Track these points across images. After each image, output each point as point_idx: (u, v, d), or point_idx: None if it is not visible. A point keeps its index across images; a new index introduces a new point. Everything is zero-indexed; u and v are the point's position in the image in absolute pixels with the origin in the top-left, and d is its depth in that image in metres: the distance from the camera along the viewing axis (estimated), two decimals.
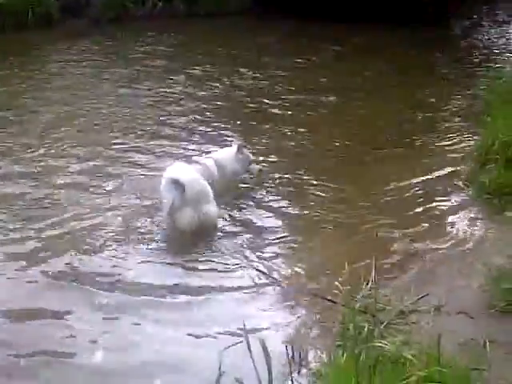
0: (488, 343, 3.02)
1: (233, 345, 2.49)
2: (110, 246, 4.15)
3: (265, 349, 2.06)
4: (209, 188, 4.25)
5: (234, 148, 4.92)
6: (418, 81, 8.36)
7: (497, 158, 5.05)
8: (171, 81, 8.03)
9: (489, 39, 11.32)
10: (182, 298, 3.68)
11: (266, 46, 9.88)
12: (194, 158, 4.98)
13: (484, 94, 7.02)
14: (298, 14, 10.91)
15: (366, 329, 3.02)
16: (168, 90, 7.64)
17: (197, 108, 7.08)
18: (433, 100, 7.58)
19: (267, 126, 6.64)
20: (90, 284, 3.74)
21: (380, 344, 2.57)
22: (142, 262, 4.03)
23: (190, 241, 4.29)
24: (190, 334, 3.33)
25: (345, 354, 2.61)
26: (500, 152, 5.04)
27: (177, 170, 4.20)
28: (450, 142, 6.19)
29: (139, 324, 3.41)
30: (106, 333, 3.32)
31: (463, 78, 8.53)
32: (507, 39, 11.14)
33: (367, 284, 3.60)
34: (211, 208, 4.25)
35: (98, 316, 3.46)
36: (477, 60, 9.57)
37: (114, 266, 3.94)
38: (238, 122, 6.76)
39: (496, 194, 4.75)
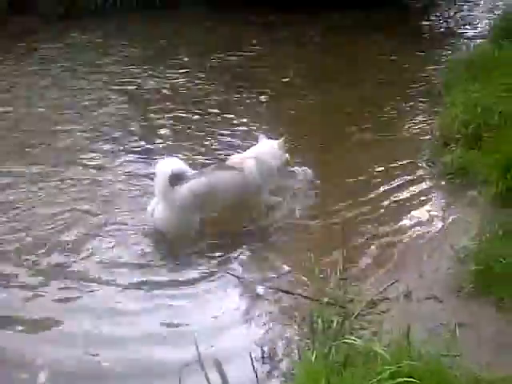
0: (458, 327, 3.01)
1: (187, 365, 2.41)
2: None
3: (220, 370, 1.97)
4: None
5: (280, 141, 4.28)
6: (377, 63, 8.35)
7: (458, 137, 5.05)
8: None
9: (446, 17, 11.41)
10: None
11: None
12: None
13: (443, 73, 7.03)
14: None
15: (335, 323, 2.98)
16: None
17: None
18: (393, 82, 7.56)
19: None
20: None
21: (349, 340, 2.50)
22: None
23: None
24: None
25: (314, 352, 2.52)
26: (460, 131, 5.04)
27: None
28: (411, 124, 6.17)
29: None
30: None
31: (423, 57, 8.55)
32: (463, 16, 11.25)
33: (336, 275, 3.57)
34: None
35: None
36: (436, 39, 9.62)
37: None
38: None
39: (458, 173, 4.76)
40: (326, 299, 3.16)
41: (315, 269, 3.51)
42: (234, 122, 6.17)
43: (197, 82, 7.42)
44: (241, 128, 5.99)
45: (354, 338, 2.56)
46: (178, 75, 7.61)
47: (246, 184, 4.07)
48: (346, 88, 7.28)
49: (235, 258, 3.95)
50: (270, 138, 4.35)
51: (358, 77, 7.71)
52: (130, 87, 7.18)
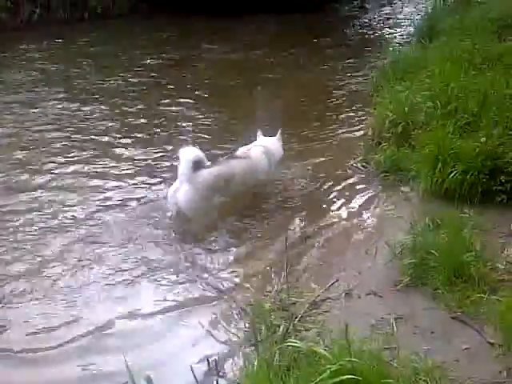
0: (396, 321, 3.11)
1: None
2: None
3: None
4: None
5: (278, 135, 4.89)
6: (309, 66, 8.54)
7: (389, 136, 5.23)
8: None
9: (373, 20, 11.85)
10: None
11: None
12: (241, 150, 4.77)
13: (373, 74, 7.28)
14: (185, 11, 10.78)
15: (279, 327, 2.99)
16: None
17: None
18: (326, 83, 7.76)
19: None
20: None
21: (291, 344, 2.52)
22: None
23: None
24: None
25: (257, 358, 2.52)
26: (390, 130, 5.22)
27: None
28: (345, 124, 6.36)
29: None
30: None
31: (353, 58, 8.82)
32: (389, 19, 11.72)
33: (279, 280, 3.59)
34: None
35: None
36: (364, 41, 9.96)
37: None
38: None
39: (391, 171, 4.92)
40: (268, 304, 3.16)
41: (258, 274, 3.52)
42: None
43: None
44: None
45: (296, 340, 2.57)
46: None
47: (255, 169, 4.63)
48: (281, 88, 7.40)
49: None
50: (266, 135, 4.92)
51: (300, 75, 7.87)
52: None
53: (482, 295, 3.12)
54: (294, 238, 4.08)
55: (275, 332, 2.99)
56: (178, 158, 4.27)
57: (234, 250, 4.08)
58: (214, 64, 8.85)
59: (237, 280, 3.69)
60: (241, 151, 4.75)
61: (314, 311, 3.29)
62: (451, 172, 4.28)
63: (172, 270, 3.83)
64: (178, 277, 3.76)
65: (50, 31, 10.06)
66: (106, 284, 3.68)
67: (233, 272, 3.78)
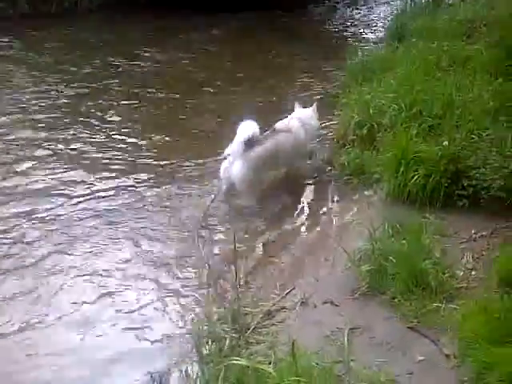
0: (352, 331, 3.00)
1: None
2: None
3: None
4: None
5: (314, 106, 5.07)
6: (278, 67, 8.43)
7: (353, 138, 5.13)
8: None
9: (344, 20, 11.81)
10: None
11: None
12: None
13: (340, 75, 7.20)
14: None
15: (228, 341, 2.85)
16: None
17: None
18: (294, 85, 7.65)
19: None
20: None
21: (234, 361, 2.38)
22: None
23: None
24: None
25: (199, 378, 2.37)
26: (355, 132, 5.13)
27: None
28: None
29: None
30: None
31: (322, 60, 8.73)
32: (360, 19, 11.70)
33: (232, 289, 3.45)
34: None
35: None
36: (334, 42, 9.89)
37: None
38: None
39: (355, 174, 4.83)
40: (215, 317, 3.02)
41: (211, 283, 3.37)
42: None
43: None
44: None
45: (240, 357, 2.43)
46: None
47: (298, 143, 4.83)
48: (246, 93, 7.25)
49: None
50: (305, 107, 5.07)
51: (260, 82, 7.73)
52: None
53: (440, 304, 3.03)
54: (251, 244, 3.94)
55: (222, 350, 2.84)
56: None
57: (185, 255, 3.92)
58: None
59: (185, 289, 3.53)
60: (280, 125, 4.82)
61: (267, 322, 3.16)
62: (414, 176, 4.20)
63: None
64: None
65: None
66: None
67: (180, 280, 3.62)
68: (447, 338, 2.82)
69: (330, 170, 5.07)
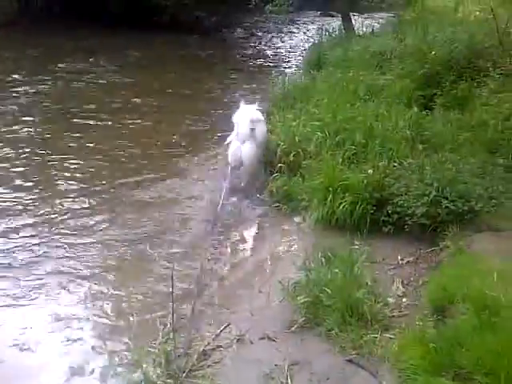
0: (291, 368, 2.92)
1: None
2: None
3: None
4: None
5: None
6: (198, 91, 8.37)
7: (280, 166, 5.15)
8: None
9: (263, 47, 12.07)
10: None
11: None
12: None
13: (264, 102, 7.25)
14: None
15: None
16: None
17: None
18: (216, 110, 7.61)
19: None
20: None
21: None
22: None
23: None
24: None
25: None
26: (282, 160, 5.15)
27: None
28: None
29: None
30: None
31: (245, 85, 8.81)
32: (279, 47, 12.01)
33: (164, 328, 3.24)
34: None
35: None
36: (254, 68, 10.03)
37: None
38: None
39: (284, 201, 4.82)
40: (148, 360, 2.80)
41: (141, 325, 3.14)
42: None
43: None
44: None
45: None
46: None
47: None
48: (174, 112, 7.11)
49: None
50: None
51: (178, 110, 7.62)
52: None
53: (376, 334, 3.05)
54: (181, 279, 3.75)
55: None
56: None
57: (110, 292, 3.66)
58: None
59: (114, 333, 3.27)
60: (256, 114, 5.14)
61: (203, 363, 2.99)
62: (341, 203, 4.26)
63: None
64: None
65: None
66: None
67: (110, 319, 3.35)
68: (386, 369, 2.82)
69: (260, 196, 5.02)
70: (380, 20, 12.18)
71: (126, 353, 3.09)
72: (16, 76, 8.60)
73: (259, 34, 13.69)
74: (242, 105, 5.44)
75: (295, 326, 3.24)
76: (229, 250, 4.25)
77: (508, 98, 5.28)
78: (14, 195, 5.08)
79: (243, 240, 4.39)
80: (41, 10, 12.66)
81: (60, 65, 9.25)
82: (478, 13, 8.23)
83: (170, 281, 3.06)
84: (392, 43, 7.81)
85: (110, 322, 3.41)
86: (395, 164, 4.49)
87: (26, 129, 6.68)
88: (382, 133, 4.97)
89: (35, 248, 4.20)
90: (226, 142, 5.20)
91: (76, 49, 10.19)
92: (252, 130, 4.94)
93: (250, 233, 4.51)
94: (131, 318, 3.38)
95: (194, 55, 10.62)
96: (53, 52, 10.03)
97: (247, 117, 5.01)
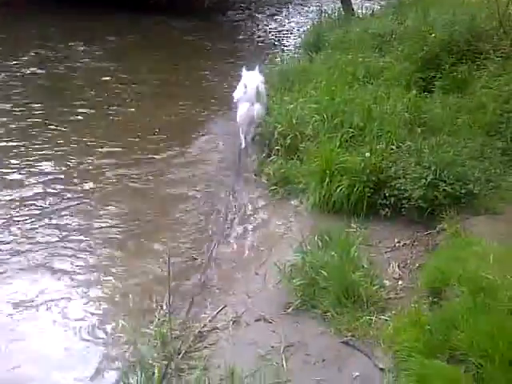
0: (287, 349, 2.93)
1: None
2: None
3: None
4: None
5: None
6: (193, 77, 8.29)
7: (278, 148, 5.11)
8: None
9: (262, 29, 11.92)
10: None
11: None
12: None
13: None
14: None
15: (156, 371, 2.65)
16: None
17: None
18: (215, 93, 7.55)
19: None
20: None
21: None
22: None
23: None
24: None
25: None
26: (279, 142, 5.12)
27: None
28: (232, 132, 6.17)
29: None
30: None
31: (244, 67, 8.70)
32: (277, 29, 11.86)
33: (160, 310, 3.24)
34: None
35: None
36: (253, 50, 9.91)
37: None
38: None
39: (281, 184, 4.80)
40: (143, 342, 2.81)
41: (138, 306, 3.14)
42: None
43: None
44: None
45: None
46: None
47: None
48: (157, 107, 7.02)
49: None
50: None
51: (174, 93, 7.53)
52: None
53: (372, 316, 3.05)
54: (178, 261, 3.75)
55: (153, 375, 2.65)
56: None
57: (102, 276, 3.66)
58: None
59: (108, 315, 3.27)
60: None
61: (199, 345, 3.00)
62: (338, 186, 4.24)
63: None
64: None
65: None
66: None
67: (106, 299, 3.36)
68: (381, 351, 2.83)
69: (256, 180, 4.99)
70: (380, 2, 12.02)
71: (121, 334, 3.09)
72: None
73: (257, 15, 13.51)
74: (245, 71, 5.82)
75: (291, 308, 3.25)
76: (225, 233, 4.23)
77: (508, 80, 5.23)
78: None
79: (240, 222, 4.37)
80: None
81: (40, 51, 8.96)
82: None
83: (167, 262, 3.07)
84: (392, 25, 7.72)
85: (105, 303, 3.41)
86: (393, 147, 4.46)
87: None
88: (380, 115, 4.92)
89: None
90: (234, 100, 5.64)
91: (60, 32, 9.97)
92: (257, 91, 5.45)
93: (246, 215, 4.49)
94: (128, 299, 3.38)
95: (190, 39, 10.47)
96: (36, 35, 9.82)
97: (252, 80, 5.55)
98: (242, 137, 5.57)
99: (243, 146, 5.52)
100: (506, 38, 6.00)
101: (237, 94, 5.59)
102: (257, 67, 5.84)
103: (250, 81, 5.52)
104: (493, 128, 4.77)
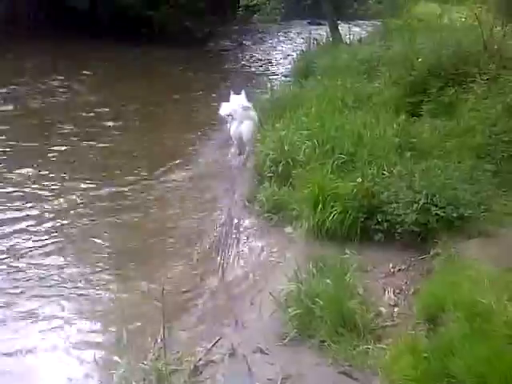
0: (284, 381, 2.89)
1: None
2: None
3: None
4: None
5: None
6: (187, 100, 8.39)
7: (270, 175, 5.14)
8: None
9: (252, 56, 12.11)
10: None
11: None
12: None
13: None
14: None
15: None
16: None
17: None
18: (203, 122, 7.64)
19: None
20: None
21: None
22: None
23: None
24: None
25: None
26: (272, 169, 5.15)
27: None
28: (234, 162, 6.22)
29: None
30: None
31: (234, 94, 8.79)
32: (267, 56, 12.07)
33: (155, 343, 3.20)
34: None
35: None
36: (242, 78, 10.05)
37: None
38: None
39: (274, 211, 4.81)
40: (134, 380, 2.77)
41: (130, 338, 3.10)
42: None
43: None
44: None
45: None
46: None
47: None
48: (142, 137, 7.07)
49: None
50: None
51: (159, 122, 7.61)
52: None
53: (368, 345, 3.03)
54: (172, 291, 3.72)
55: None
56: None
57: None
58: None
59: (101, 350, 3.23)
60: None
61: (195, 379, 2.95)
62: (331, 212, 4.26)
63: None
64: None
65: None
66: None
67: (93, 338, 3.31)
68: (379, 380, 2.80)
69: (249, 206, 5.00)
70: (367, 28, 12.29)
71: (115, 370, 3.04)
72: None
73: (247, 43, 13.76)
74: (232, 95, 6.31)
75: (287, 339, 3.21)
76: (219, 262, 4.21)
77: (494, 103, 5.32)
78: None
79: (233, 251, 4.36)
80: (28, 18, 12.62)
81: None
82: (463, 19, 8.32)
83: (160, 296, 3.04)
84: (379, 51, 7.89)
85: (98, 337, 3.37)
86: (384, 172, 4.50)
87: None
88: (371, 141, 4.98)
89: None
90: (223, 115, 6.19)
91: (50, 63, 10.08)
92: (246, 111, 6.07)
93: (240, 244, 4.48)
94: (121, 333, 3.34)
95: (181, 66, 10.62)
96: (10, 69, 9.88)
97: (240, 102, 6.13)
98: (235, 151, 6.24)
99: (236, 161, 6.16)
100: (492, 61, 6.14)
101: (223, 112, 6.15)
102: (243, 91, 6.26)
103: (238, 102, 6.10)
104: (482, 150, 4.83)
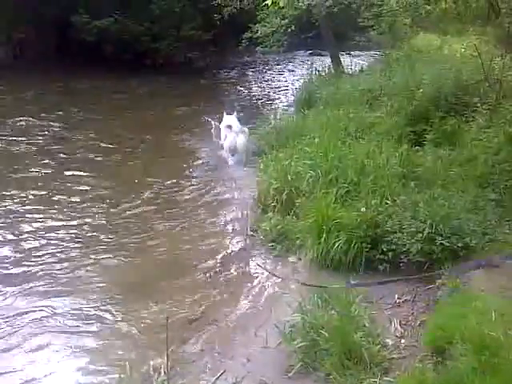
0: None
1: None
2: None
3: None
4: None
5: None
6: (188, 130, 8.48)
7: (274, 204, 5.15)
8: None
9: (254, 87, 12.27)
10: None
11: None
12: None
13: (256, 141, 7.33)
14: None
15: None
16: None
17: None
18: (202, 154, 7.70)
19: None
20: None
21: None
22: None
23: None
24: None
25: None
26: (275, 198, 5.16)
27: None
28: (236, 191, 6.23)
29: None
30: None
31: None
32: (269, 86, 12.22)
33: (158, 378, 3.15)
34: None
35: None
36: (245, 108, 10.16)
37: None
38: None
39: (278, 240, 4.80)
40: None
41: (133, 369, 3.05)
42: None
43: None
44: None
45: None
46: None
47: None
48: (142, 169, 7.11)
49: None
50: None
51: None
52: None
53: (375, 379, 2.97)
54: (176, 324, 3.66)
55: None
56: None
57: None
58: None
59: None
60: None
61: None
62: (335, 242, 4.24)
63: None
64: None
65: None
66: None
67: (96, 369, 3.25)
68: None
69: (253, 236, 4.99)
70: (368, 58, 12.48)
71: None
72: None
73: (250, 74, 13.97)
74: (225, 115, 7.34)
75: (292, 372, 3.16)
76: (224, 292, 4.18)
77: (496, 132, 5.35)
78: None
79: (238, 281, 4.33)
80: (37, 54, 12.89)
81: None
82: (462, 50, 8.46)
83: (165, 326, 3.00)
84: (380, 81, 8.00)
85: (101, 369, 3.31)
86: (388, 201, 4.50)
87: None
88: (374, 170, 5.00)
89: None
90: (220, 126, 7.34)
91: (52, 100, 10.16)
92: (241, 127, 7.16)
93: (244, 274, 4.45)
94: (124, 365, 3.28)
95: (185, 95, 10.77)
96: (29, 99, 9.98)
97: (233, 121, 7.20)
98: (228, 158, 7.18)
99: (230, 163, 7.13)
100: (492, 91, 6.21)
101: (224, 123, 7.22)
102: (234, 113, 7.35)
103: (231, 121, 7.15)
104: (485, 180, 4.84)
